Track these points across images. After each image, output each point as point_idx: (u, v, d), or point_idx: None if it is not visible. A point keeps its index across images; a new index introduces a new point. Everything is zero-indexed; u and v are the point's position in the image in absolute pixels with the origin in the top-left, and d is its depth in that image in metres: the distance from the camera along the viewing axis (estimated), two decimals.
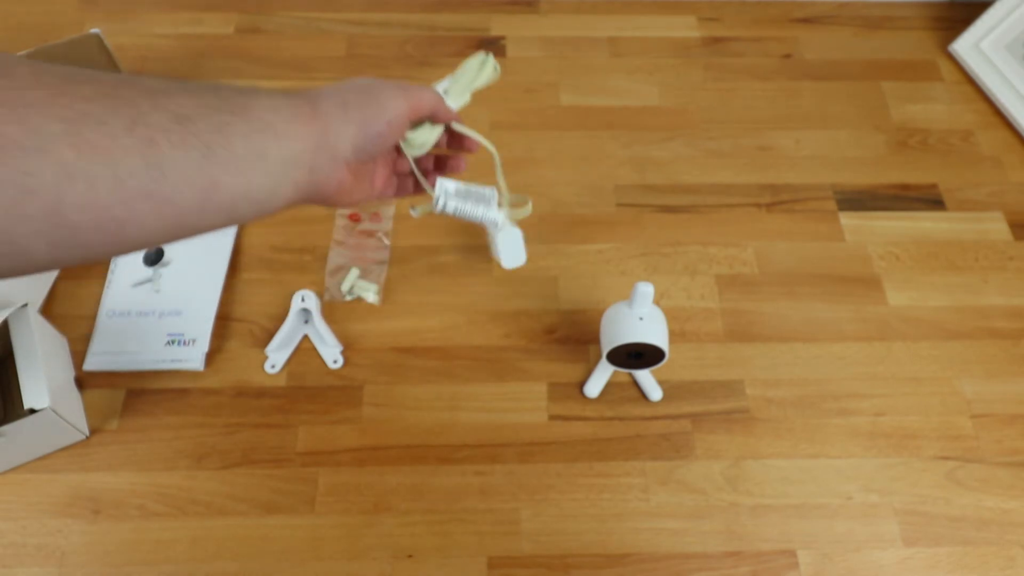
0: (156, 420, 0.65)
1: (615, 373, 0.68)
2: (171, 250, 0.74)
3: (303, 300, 0.69)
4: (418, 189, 0.54)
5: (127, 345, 0.68)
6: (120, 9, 0.93)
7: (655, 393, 0.67)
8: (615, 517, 0.62)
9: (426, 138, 0.49)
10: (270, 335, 0.69)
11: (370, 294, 0.71)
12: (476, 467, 0.64)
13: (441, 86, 0.52)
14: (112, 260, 0.72)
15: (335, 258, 0.74)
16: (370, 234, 0.76)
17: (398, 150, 0.51)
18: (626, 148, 0.84)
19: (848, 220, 0.79)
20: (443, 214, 0.55)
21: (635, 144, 0.84)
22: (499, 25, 0.94)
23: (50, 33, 0.89)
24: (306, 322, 0.70)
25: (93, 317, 0.70)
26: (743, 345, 0.71)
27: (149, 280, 0.72)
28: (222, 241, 0.75)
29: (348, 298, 0.72)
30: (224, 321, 0.71)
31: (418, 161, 0.53)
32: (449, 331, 0.71)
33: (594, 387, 0.68)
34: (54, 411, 0.59)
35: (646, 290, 0.60)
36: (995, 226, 0.79)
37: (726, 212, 0.79)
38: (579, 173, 0.82)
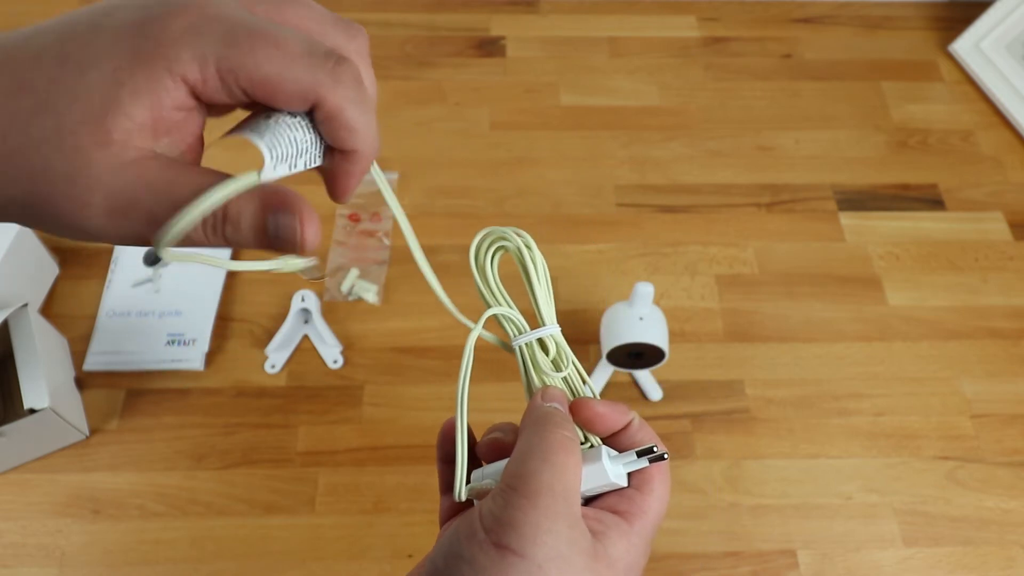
0: (156, 420, 0.65)
1: (615, 373, 0.68)
2: None
3: (303, 300, 0.69)
4: None
5: (127, 345, 0.68)
6: None
7: (655, 393, 0.67)
8: None
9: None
10: (270, 335, 0.69)
11: (370, 294, 0.71)
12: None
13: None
14: (112, 260, 0.73)
15: (335, 258, 0.74)
16: (370, 234, 0.76)
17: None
18: (626, 148, 0.84)
19: (848, 220, 0.79)
20: None
21: (635, 144, 0.84)
22: (499, 25, 0.94)
23: None
24: (306, 322, 0.70)
25: (93, 317, 0.70)
26: (743, 345, 0.71)
27: (149, 280, 0.71)
28: None
29: (349, 298, 0.72)
30: (224, 321, 0.71)
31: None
32: (449, 331, 0.71)
33: (594, 387, 0.68)
34: (54, 411, 0.59)
35: (646, 290, 0.60)
36: (995, 226, 0.79)
37: (726, 212, 0.79)
38: (579, 173, 0.82)
